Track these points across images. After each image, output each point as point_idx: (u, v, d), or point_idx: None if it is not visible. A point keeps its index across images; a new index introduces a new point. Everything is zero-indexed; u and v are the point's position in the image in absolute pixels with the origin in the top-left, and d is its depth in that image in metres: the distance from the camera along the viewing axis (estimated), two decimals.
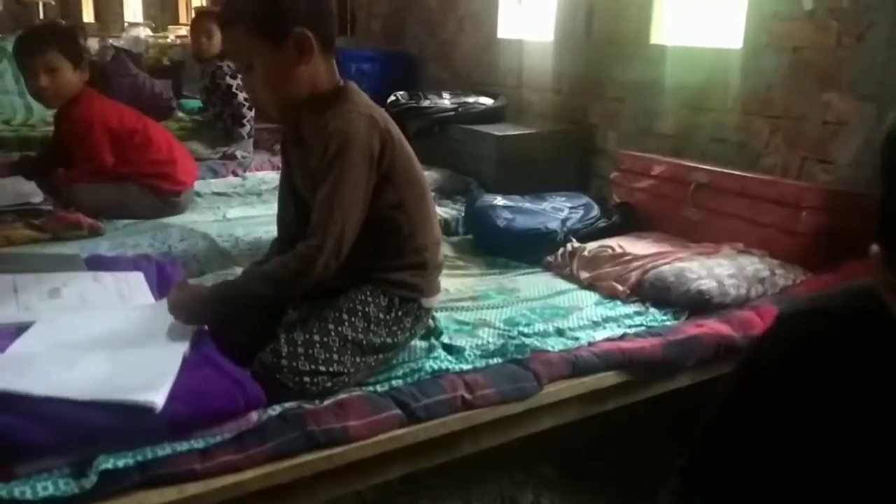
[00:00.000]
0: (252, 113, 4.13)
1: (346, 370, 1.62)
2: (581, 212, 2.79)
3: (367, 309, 1.69)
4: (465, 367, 1.75)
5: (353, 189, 1.58)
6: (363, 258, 1.67)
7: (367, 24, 5.64)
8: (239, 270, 2.50)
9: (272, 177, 3.81)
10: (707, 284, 2.13)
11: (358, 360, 1.65)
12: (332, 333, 1.62)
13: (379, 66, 4.78)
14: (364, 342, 1.66)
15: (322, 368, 1.58)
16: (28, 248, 2.53)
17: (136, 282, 1.99)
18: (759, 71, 2.93)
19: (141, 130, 3.01)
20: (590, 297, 2.31)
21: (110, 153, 2.93)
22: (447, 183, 3.51)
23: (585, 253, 2.52)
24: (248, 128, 4.15)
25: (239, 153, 4.04)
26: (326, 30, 1.66)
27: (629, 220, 2.81)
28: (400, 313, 1.73)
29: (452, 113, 3.77)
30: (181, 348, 1.56)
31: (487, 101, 3.89)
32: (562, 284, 2.43)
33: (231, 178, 3.75)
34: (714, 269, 2.22)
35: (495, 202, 2.85)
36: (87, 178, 2.92)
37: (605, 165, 3.68)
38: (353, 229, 1.60)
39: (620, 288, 2.28)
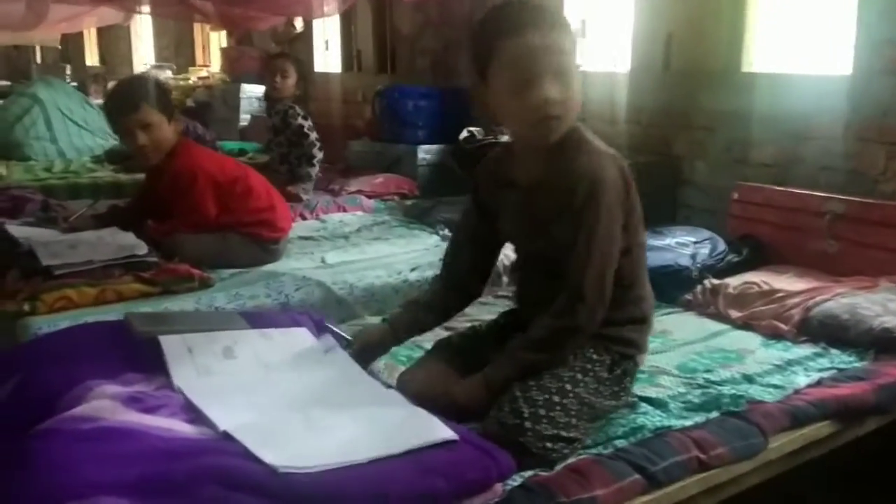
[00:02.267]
0: (321, 154, 4.05)
1: (580, 436, 1.50)
2: (708, 246, 2.70)
3: (595, 368, 1.58)
4: (684, 422, 1.64)
5: (608, 233, 1.49)
6: None
7: (411, 60, 5.58)
8: (367, 320, 2.40)
9: (350, 219, 3.73)
10: (891, 322, 2.03)
11: (589, 424, 1.54)
12: (570, 395, 1.51)
13: (436, 103, 4.71)
14: (595, 405, 1.55)
15: (563, 434, 1.46)
16: (153, 301, 2.41)
17: (304, 338, 1.87)
18: (873, 96, 2.88)
19: (242, 178, 2.90)
20: (752, 338, 2.21)
21: (213, 204, 2.81)
22: None
23: (730, 290, 2.42)
24: (316, 168, 4.07)
25: (303, 195, 3.95)
26: None
27: (758, 255, 2.72)
28: (620, 372, 1.62)
29: None
30: (405, 402, 1.49)
31: None
32: (713, 325, 2.33)
33: (311, 222, 3.64)
34: (889, 305, 2.13)
35: None
36: (189, 229, 2.80)
37: (694, 196, 3.61)
38: (611, 275, 1.51)
39: (784, 327, 2.19)
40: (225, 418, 1.43)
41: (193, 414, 1.46)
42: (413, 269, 2.86)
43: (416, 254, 3.07)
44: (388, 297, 2.73)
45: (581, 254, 1.48)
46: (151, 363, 1.68)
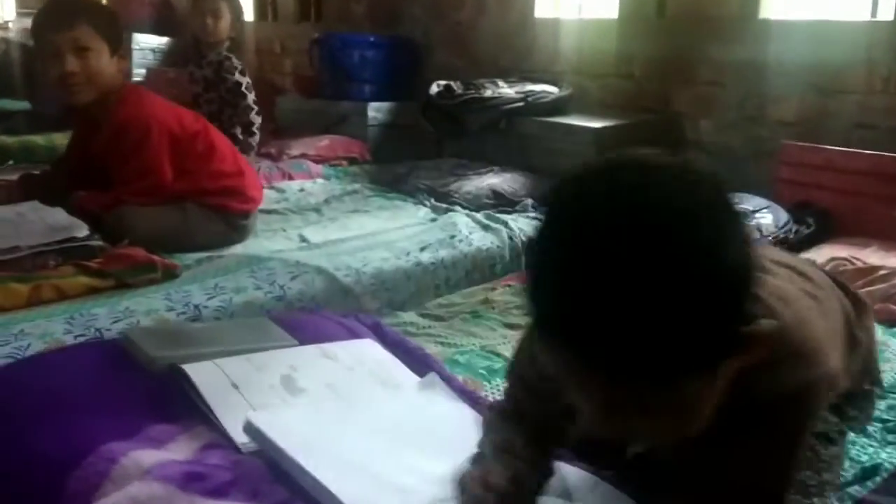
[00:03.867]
0: (259, 120, 3.44)
1: None
2: (769, 216, 2.34)
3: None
4: None
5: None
6: None
7: (342, 6, 4.95)
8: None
9: (311, 187, 3.17)
10: None
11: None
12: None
13: (385, 53, 4.14)
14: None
15: None
16: (105, 299, 1.79)
17: (377, 354, 1.36)
18: None
19: (203, 134, 2.29)
20: None
21: (170, 166, 2.19)
22: (534, 188, 2.96)
23: None
24: (257, 136, 3.45)
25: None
26: None
27: (824, 225, 2.39)
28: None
29: (521, 104, 3.23)
30: None
31: (552, 89, 3.37)
32: None
33: (265, 191, 3.03)
34: None
35: None
36: (138, 200, 2.17)
37: (698, 159, 3.25)
38: None
39: None
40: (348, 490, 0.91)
41: (290, 489, 0.94)
42: (423, 249, 2.35)
43: (413, 230, 2.56)
44: (399, 284, 2.22)
45: None
46: (178, 405, 1.14)
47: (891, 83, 2.69)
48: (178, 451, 1.00)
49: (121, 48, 2.19)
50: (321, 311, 1.68)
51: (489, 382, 1.48)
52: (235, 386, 1.16)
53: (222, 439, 1.04)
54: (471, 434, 1.04)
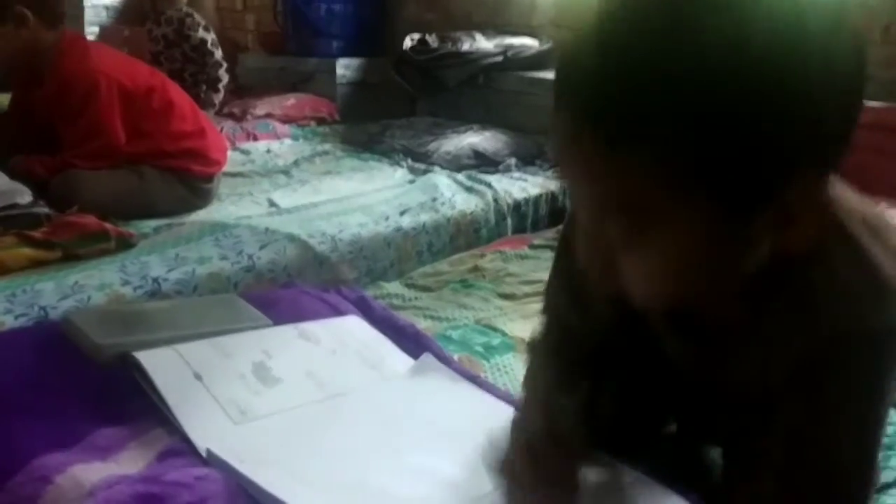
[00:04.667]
0: (227, 77, 3.22)
1: None
2: None
3: None
4: None
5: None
6: None
7: None
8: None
9: (278, 148, 2.97)
10: None
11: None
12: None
13: (353, 6, 3.90)
14: None
15: None
16: (54, 273, 1.60)
17: (363, 333, 1.19)
18: None
19: (159, 90, 2.08)
20: None
21: (123, 125, 1.98)
22: (518, 147, 2.79)
23: None
24: (221, 94, 3.24)
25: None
26: None
27: None
28: None
29: (500, 59, 3.04)
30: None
31: (531, 42, 3.18)
32: None
33: (229, 153, 2.82)
34: None
35: None
36: (88, 163, 1.96)
37: None
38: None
39: None
40: None
41: None
42: (403, 213, 2.17)
43: (391, 192, 2.38)
44: (379, 251, 2.05)
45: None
46: (130, 403, 0.96)
47: (890, 32, 2.55)
48: (130, 462, 0.83)
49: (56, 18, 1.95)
50: (296, 283, 1.50)
51: (487, 361, 1.32)
52: (198, 376, 0.98)
53: (183, 444, 0.87)
54: (482, 422, 0.89)
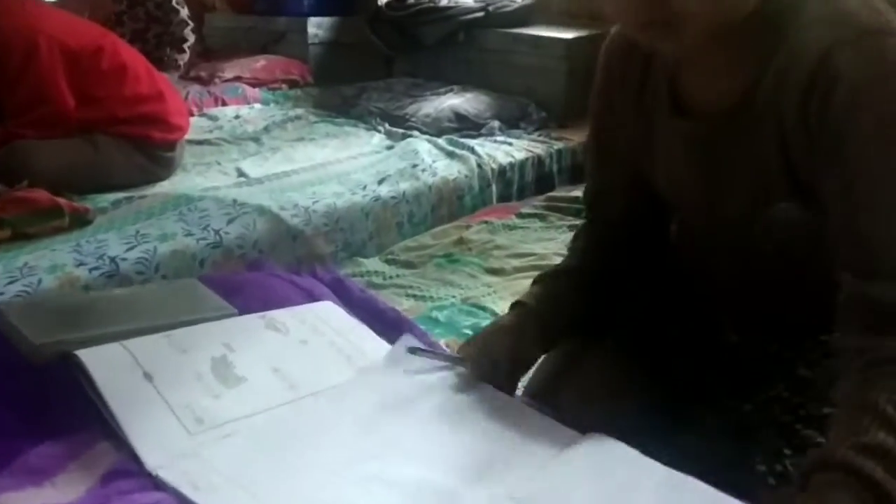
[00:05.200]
0: (194, 38, 3.05)
1: None
2: None
3: None
4: None
5: None
6: None
7: None
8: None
9: (248, 113, 2.80)
10: None
11: None
12: None
13: None
14: None
15: None
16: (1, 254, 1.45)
17: (338, 320, 1.06)
18: None
19: (109, 50, 1.92)
20: None
21: (70, 89, 1.82)
22: (501, 109, 2.65)
23: None
24: (187, 55, 3.06)
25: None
26: None
27: None
28: None
29: (482, 14, 2.88)
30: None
31: None
32: None
33: (195, 119, 2.66)
34: None
35: None
36: (35, 133, 1.81)
37: None
38: None
39: None
40: None
41: None
42: (381, 182, 2.04)
43: (368, 159, 2.24)
44: (356, 223, 1.92)
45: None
46: (71, 412, 0.84)
47: None
48: (69, 487, 0.71)
49: None
50: (265, 262, 1.37)
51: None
52: (149, 377, 0.85)
53: (131, 462, 0.74)
54: (469, 416, 0.79)
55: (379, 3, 3.02)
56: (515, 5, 2.95)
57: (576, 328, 0.97)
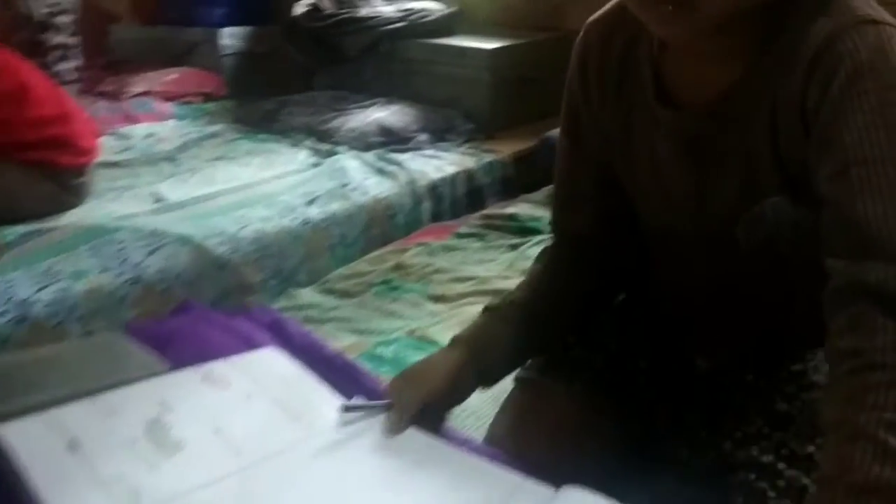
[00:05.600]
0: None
1: None
2: None
3: None
4: None
5: None
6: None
7: None
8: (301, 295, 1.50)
9: (161, 131, 2.66)
10: None
11: None
12: None
13: None
14: None
15: None
16: None
17: (283, 370, 0.98)
18: None
19: (8, 70, 1.77)
20: None
21: None
22: (427, 122, 2.59)
23: None
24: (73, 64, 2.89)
25: None
26: None
27: None
28: None
29: (403, 24, 2.82)
30: None
31: (435, 6, 2.97)
32: None
33: (103, 139, 2.50)
34: None
35: None
36: None
37: None
38: None
39: None
40: None
41: None
42: (311, 203, 1.95)
43: (295, 178, 2.14)
44: (287, 248, 1.82)
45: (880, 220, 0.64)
46: None
47: None
48: None
49: None
50: (195, 304, 1.27)
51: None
52: (74, 447, 0.76)
53: None
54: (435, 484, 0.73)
55: (295, 13, 2.91)
56: (436, 15, 2.89)
57: (517, 364, 0.93)
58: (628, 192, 0.89)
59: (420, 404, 0.81)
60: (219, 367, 0.95)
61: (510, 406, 0.94)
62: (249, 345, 1.03)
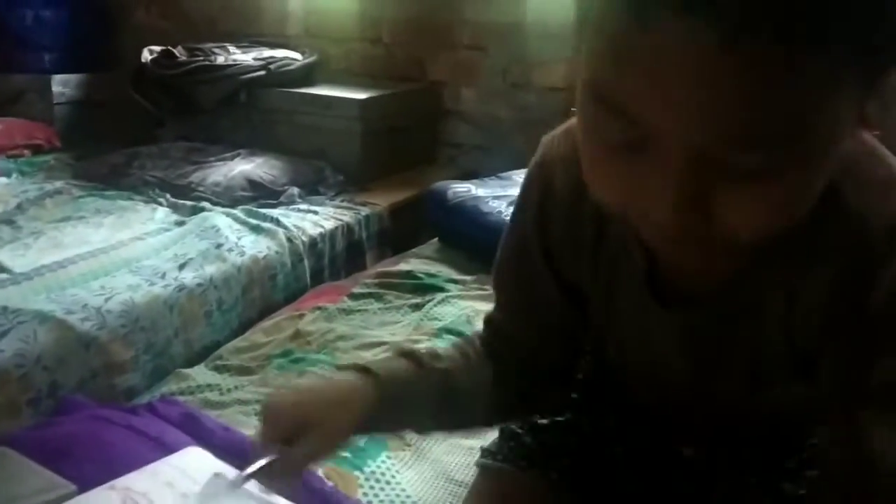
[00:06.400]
0: None
1: None
2: None
3: None
4: None
5: None
6: None
7: None
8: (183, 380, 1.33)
9: None
10: None
11: None
12: None
13: (67, 12, 3.29)
14: None
15: None
16: None
17: (209, 471, 0.84)
18: None
19: None
20: None
21: None
22: (296, 175, 2.46)
23: None
24: None
25: None
26: None
27: None
28: None
29: (263, 73, 2.68)
30: None
31: (295, 55, 2.86)
32: None
33: None
34: None
35: (469, 191, 2.02)
36: None
37: (461, 131, 2.98)
38: None
39: None
40: None
41: None
42: (183, 267, 1.77)
43: (158, 239, 1.94)
44: (160, 319, 1.64)
45: None
46: None
47: None
48: None
49: None
50: (80, 400, 1.08)
51: (360, 471, 1.03)
52: None
53: None
54: None
55: (143, 59, 2.70)
56: (297, 64, 2.78)
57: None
58: (605, 341, 0.75)
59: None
60: (135, 480, 0.79)
61: (477, 499, 0.84)
62: (161, 447, 0.89)
